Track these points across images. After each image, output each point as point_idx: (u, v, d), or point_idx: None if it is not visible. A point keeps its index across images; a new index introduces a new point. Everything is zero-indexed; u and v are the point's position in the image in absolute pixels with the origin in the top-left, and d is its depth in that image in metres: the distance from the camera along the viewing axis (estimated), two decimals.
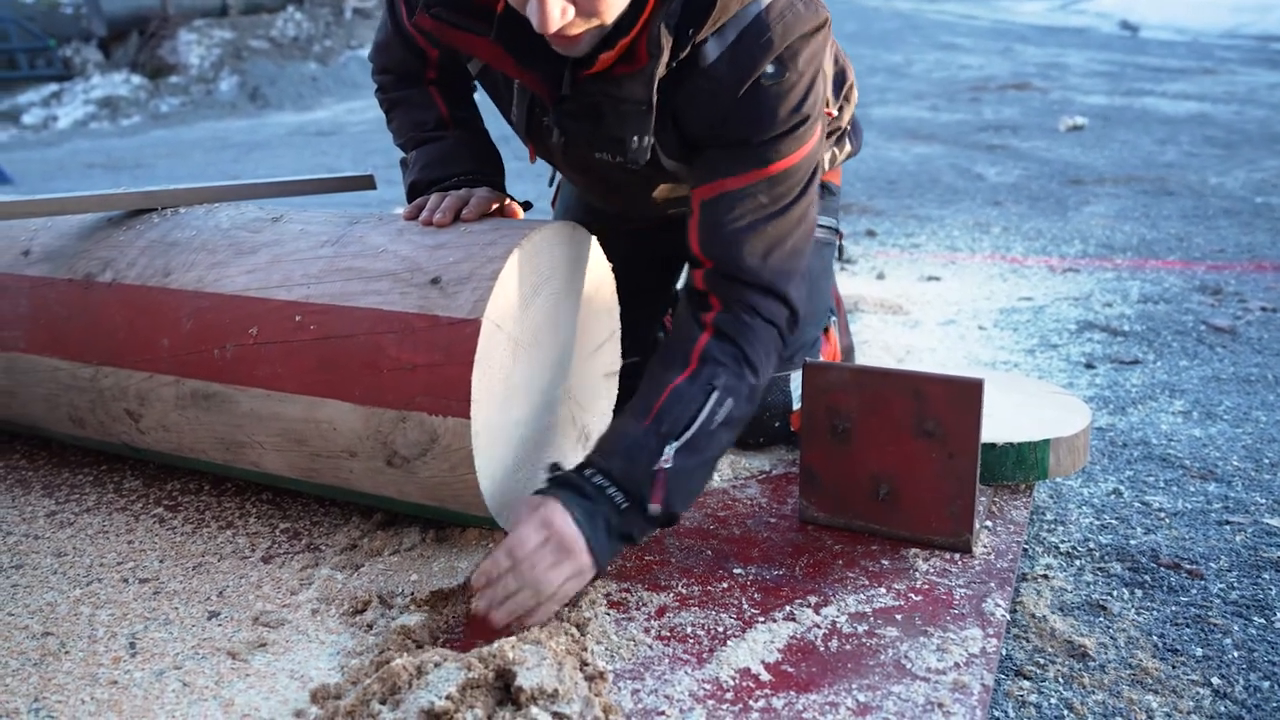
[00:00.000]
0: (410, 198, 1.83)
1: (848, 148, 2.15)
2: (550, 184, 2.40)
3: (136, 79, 13.43)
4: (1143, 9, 16.30)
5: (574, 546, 1.40)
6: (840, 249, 2.26)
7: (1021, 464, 1.77)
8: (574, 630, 1.37)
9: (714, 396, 1.53)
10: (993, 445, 1.76)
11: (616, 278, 1.85)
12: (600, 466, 1.49)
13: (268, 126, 10.87)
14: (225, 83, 13.35)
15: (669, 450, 1.49)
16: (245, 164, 7.94)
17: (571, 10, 1.39)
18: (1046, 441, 1.76)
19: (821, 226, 2.11)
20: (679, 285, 2.32)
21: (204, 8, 14.61)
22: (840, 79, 2.02)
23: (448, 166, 1.80)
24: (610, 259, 1.85)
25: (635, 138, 1.59)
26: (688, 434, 1.50)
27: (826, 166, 2.11)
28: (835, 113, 2.01)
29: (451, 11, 1.57)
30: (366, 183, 2.20)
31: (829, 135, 2.05)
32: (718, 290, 1.59)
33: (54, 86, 13.43)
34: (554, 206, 2.38)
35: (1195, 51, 12.60)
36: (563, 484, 1.48)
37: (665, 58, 1.50)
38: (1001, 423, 1.83)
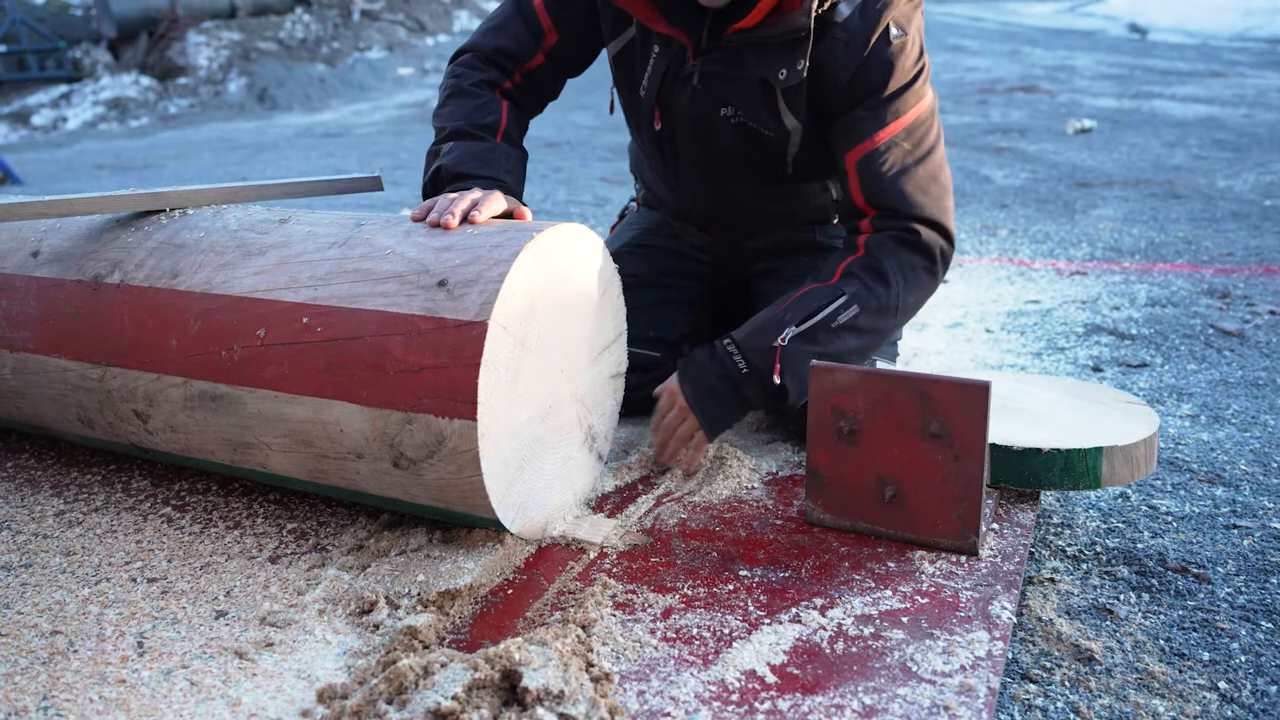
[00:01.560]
0: (429, 183, 1.90)
1: None
2: (620, 212, 2.59)
3: (145, 80, 13.47)
4: (1152, 11, 16.28)
5: (685, 411, 1.85)
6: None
7: (1070, 472, 1.72)
8: (580, 631, 1.37)
9: (841, 299, 1.81)
10: (1038, 451, 1.73)
11: (660, 275, 1.94)
12: (734, 336, 1.85)
13: (275, 128, 10.90)
14: (233, 84, 13.38)
15: (788, 332, 1.80)
16: (253, 165, 7.95)
17: None
18: (1099, 450, 1.71)
19: None
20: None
21: (213, 10, 14.65)
22: None
23: (476, 166, 1.87)
24: (660, 258, 2.13)
25: (783, 71, 1.84)
26: (808, 324, 1.80)
27: None
28: None
29: None
30: (374, 184, 2.21)
31: None
32: (884, 226, 1.86)
33: (63, 88, 13.47)
34: (611, 231, 2.52)
35: (1204, 54, 12.58)
36: (691, 362, 1.88)
37: (815, 2, 1.77)
38: (1056, 428, 1.80)
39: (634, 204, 2.52)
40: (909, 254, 1.85)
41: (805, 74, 1.83)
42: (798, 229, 2.22)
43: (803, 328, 1.80)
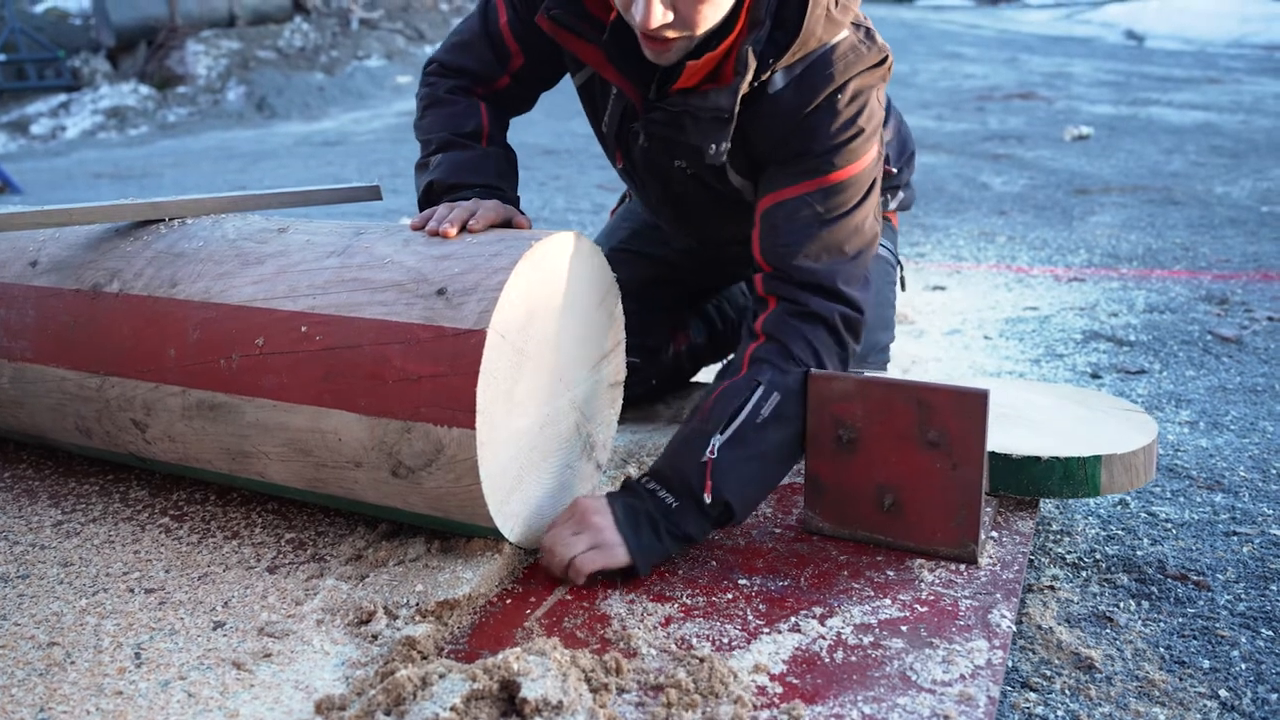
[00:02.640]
0: (424, 197, 1.87)
1: (900, 196, 2.31)
2: (620, 196, 2.52)
3: (144, 89, 13.47)
4: (1148, 19, 16.30)
5: (597, 524, 1.56)
6: (902, 280, 2.38)
7: (1070, 479, 1.72)
8: (578, 641, 1.37)
9: (759, 391, 1.64)
10: (1037, 459, 1.73)
11: (646, 285, 1.89)
12: (653, 470, 1.65)
13: (274, 136, 10.90)
14: (232, 93, 13.38)
15: (714, 442, 1.60)
16: (252, 174, 7.96)
17: (670, 15, 1.55)
18: (1098, 458, 1.70)
19: (884, 245, 2.26)
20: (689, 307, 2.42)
21: (211, 19, 14.66)
22: (902, 147, 2.25)
23: (469, 175, 1.84)
24: (650, 266, 2.01)
25: (714, 145, 1.71)
26: (732, 427, 1.61)
27: (889, 207, 2.29)
28: (895, 170, 2.19)
29: (568, 15, 1.74)
30: (373, 193, 2.20)
31: (886, 190, 2.22)
32: (774, 292, 1.71)
33: (62, 97, 13.47)
34: (612, 214, 2.48)
35: (1201, 61, 12.60)
36: (620, 489, 1.65)
37: (749, 77, 1.64)
38: (1055, 436, 1.80)
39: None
40: (806, 326, 1.69)
41: (726, 155, 1.72)
42: None
43: (728, 433, 1.61)
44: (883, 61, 1.71)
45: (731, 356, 1.79)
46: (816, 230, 1.68)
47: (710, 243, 2.18)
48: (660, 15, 1.54)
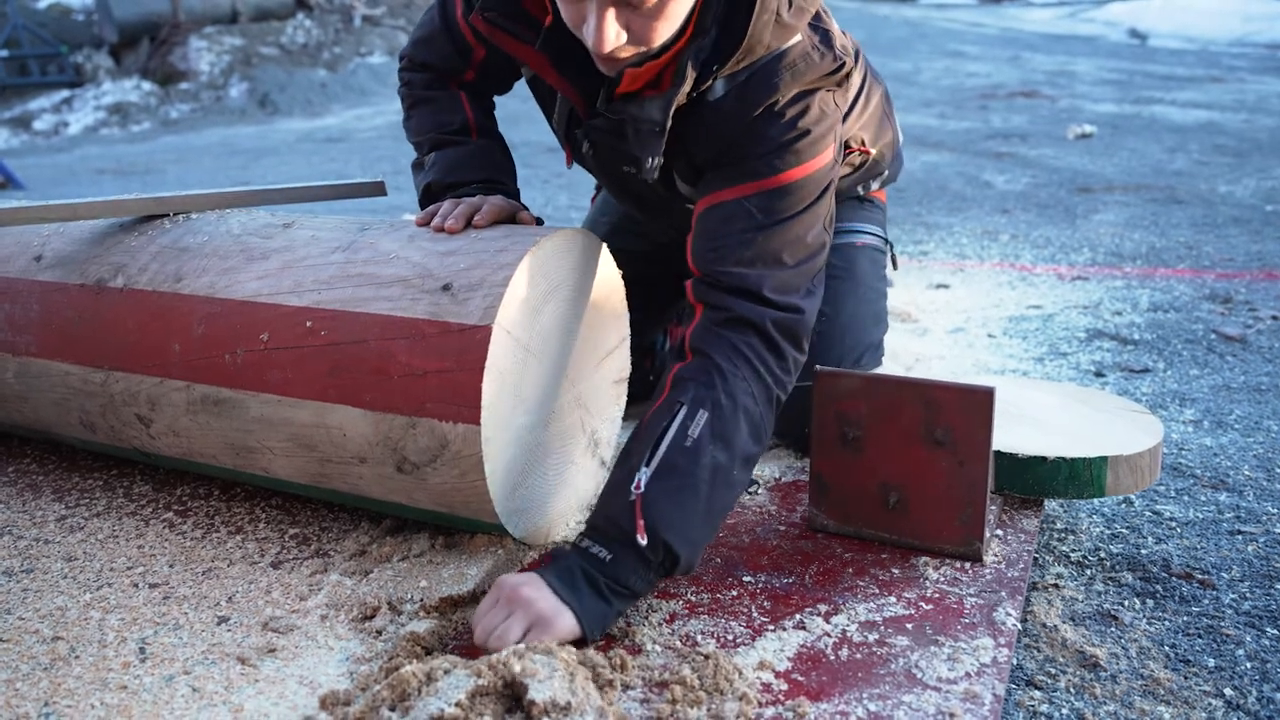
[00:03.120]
0: (424, 199, 1.85)
1: (884, 174, 2.24)
2: (596, 183, 2.42)
3: (147, 85, 13.47)
4: (1152, 17, 16.29)
5: (527, 598, 1.36)
6: (893, 259, 2.31)
7: (1075, 480, 1.72)
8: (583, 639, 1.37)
9: (682, 412, 1.47)
10: (1043, 459, 1.72)
11: (631, 283, 1.86)
12: (586, 527, 1.47)
13: (277, 133, 10.90)
14: (235, 89, 13.38)
15: (640, 477, 1.42)
16: (255, 170, 7.95)
17: (625, 35, 1.44)
18: (1104, 459, 1.70)
19: (870, 233, 2.21)
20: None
21: (214, 15, 14.65)
22: (895, 143, 2.20)
23: (465, 172, 1.82)
24: (631, 263, 1.88)
25: (649, 158, 1.62)
26: (658, 456, 1.44)
27: (862, 192, 2.22)
28: (871, 151, 2.10)
29: (503, 16, 1.64)
30: (377, 189, 2.20)
31: (875, 174, 2.18)
32: (703, 299, 1.58)
33: (65, 93, 13.47)
34: (592, 203, 2.41)
35: (1204, 60, 12.59)
36: (550, 557, 1.48)
37: (686, 87, 1.54)
38: (1061, 436, 1.79)
39: None
40: (734, 333, 1.53)
41: (660, 166, 1.63)
42: None
43: (654, 463, 1.43)
44: (837, 69, 1.59)
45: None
46: (752, 235, 1.55)
47: (682, 229, 2.11)
48: (613, 39, 1.43)
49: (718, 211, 1.59)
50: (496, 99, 2.01)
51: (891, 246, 2.31)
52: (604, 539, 1.42)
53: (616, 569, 1.40)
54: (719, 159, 1.62)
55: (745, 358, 1.52)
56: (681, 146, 1.65)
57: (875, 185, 2.24)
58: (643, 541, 1.39)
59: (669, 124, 1.58)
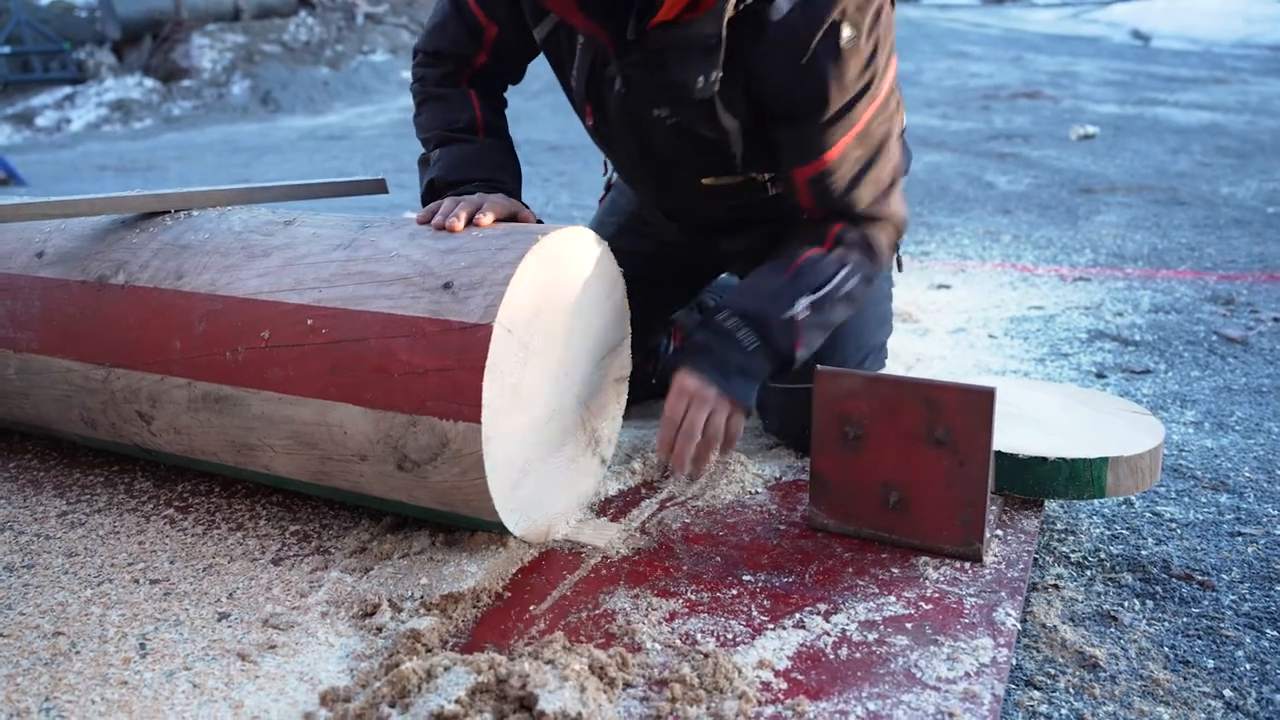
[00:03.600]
0: (427, 195, 1.86)
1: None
2: (605, 183, 2.42)
3: (149, 82, 13.48)
4: (1155, 18, 16.27)
5: (707, 396, 1.67)
6: (899, 261, 2.31)
7: (1076, 481, 1.72)
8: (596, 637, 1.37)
9: (846, 269, 1.76)
10: (1043, 460, 1.72)
11: (635, 283, 1.86)
12: (736, 309, 1.72)
13: (279, 130, 10.91)
14: (237, 87, 13.39)
15: (803, 302, 1.72)
16: (256, 167, 7.96)
17: None
18: (1104, 460, 1.70)
19: None
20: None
21: (217, 12, 14.66)
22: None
23: (469, 170, 1.84)
24: (636, 263, 1.92)
25: (701, 77, 1.63)
26: (821, 292, 1.73)
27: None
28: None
29: None
30: (378, 186, 2.20)
31: None
32: (839, 219, 1.80)
33: (67, 89, 13.48)
34: (600, 204, 2.40)
35: (1207, 61, 12.59)
36: (692, 348, 1.73)
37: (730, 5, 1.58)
38: (1062, 437, 1.80)
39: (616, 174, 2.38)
40: (886, 228, 1.83)
41: (718, 86, 1.65)
42: (775, 226, 2.06)
43: (816, 296, 1.73)
44: None
45: (796, 229, 1.84)
46: (864, 174, 1.75)
47: (694, 227, 2.13)
48: None
49: (825, 176, 1.74)
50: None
51: (898, 249, 2.32)
52: (755, 331, 1.70)
53: (751, 359, 1.70)
54: (796, 98, 1.67)
55: (889, 248, 1.84)
56: (744, 79, 1.69)
57: None
58: (799, 354, 1.73)
59: (723, 37, 1.60)
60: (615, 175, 2.36)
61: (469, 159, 1.85)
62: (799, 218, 1.85)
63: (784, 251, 1.80)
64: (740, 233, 2.11)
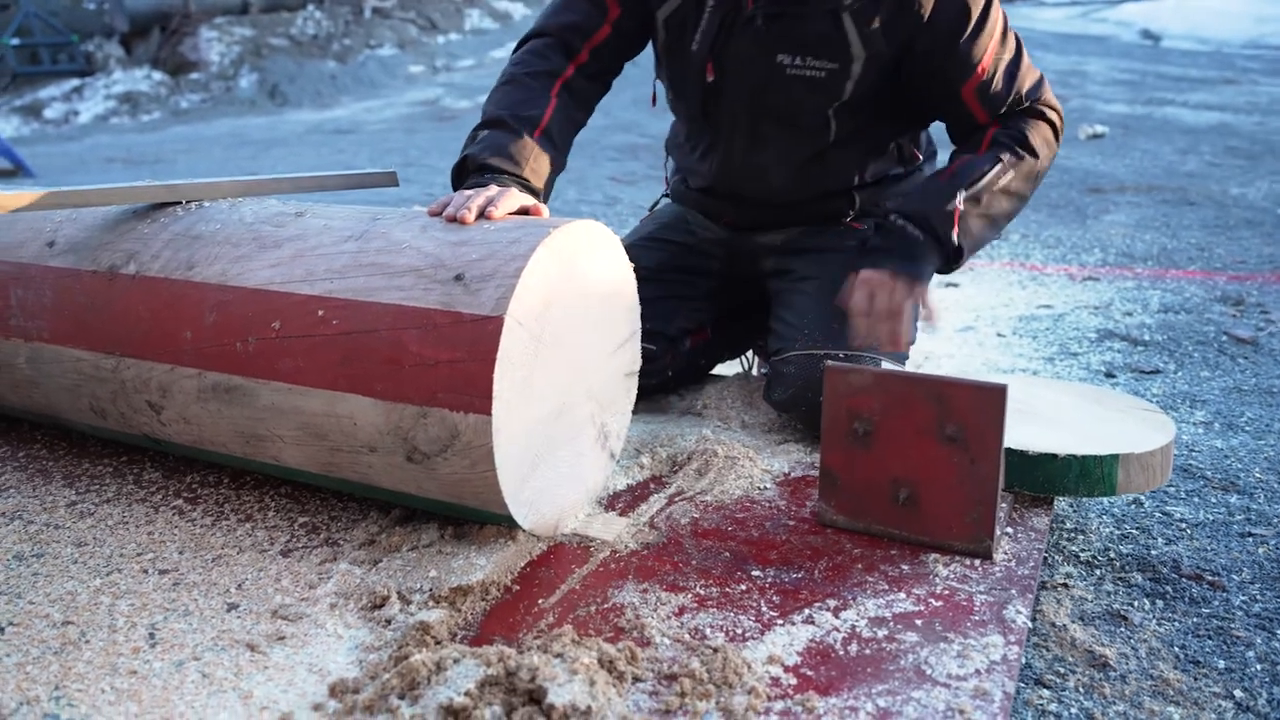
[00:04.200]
0: (457, 169, 1.92)
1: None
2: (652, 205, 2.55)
3: (157, 75, 13.50)
4: (1164, 18, 16.22)
5: (888, 282, 1.94)
6: None
7: (1086, 478, 1.72)
8: (594, 632, 1.37)
9: (1000, 164, 1.97)
10: (1054, 456, 1.72)
11: (670, 270, 2.07)
12: (902, 211, 1.99)
13: (286, 124, 10.91)
14: (245, 80, 13.40)
15: (960, 195, 1.95)
16: (263, 160, 7.96)
17: None
18: (1115, 457, 1.70)
19: None
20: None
21: (225, 6, 14.68)
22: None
23: (504, 160, 1.88)
24: (675, 254, 2.21)
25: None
26: (976, 186, 1.95)
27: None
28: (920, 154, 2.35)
29: None
30: (389, 179, 2.20)
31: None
32: (998, 122, 2.03)
33: (75, 81, 13.50)
34: (650, 213, 2.51)
35: (1217, 61, 12.56)
36: (869, 251, 2.01)
37: None
38: (1072, 434, 1.79)
39: (665, 198, 2.51)
40: (1040, 125, 2.02)
41: (858, 5, 1.90)
42: (814, 224, 2.23)
43: (972, 190, 1.95)
44: None
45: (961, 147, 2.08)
46: (1013, 67, 1.99)
47: (752, 210, 2.24)
48: None
49: (988, 83, 1.98)
50: None
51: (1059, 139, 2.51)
52: (918, 225, 1.96)
53: (921, 250, 1.96)
54: (935, 28, 1.92)
55: (1046, 140, 2.03)
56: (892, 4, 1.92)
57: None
58: (955, 240, 1.96)
59: None
60: (667, 189, 2.49)
61: (507, 149, 1.89)
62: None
63: (946, 161, 2.05)
64: (781, 226, 2.25)
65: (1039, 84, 2.04)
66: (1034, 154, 1.99)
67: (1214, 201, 5.24)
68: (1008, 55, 1.99)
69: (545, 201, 1.89)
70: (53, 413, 1.99)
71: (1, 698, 1.27)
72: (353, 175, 2.17)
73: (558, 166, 1.98)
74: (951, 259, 1.99)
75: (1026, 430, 1.81)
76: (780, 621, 1.43)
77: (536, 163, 1.91)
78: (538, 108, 1.97)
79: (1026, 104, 2.01)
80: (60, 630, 1.42)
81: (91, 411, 1.89)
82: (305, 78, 13.43)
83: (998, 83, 1.99)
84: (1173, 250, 4.24)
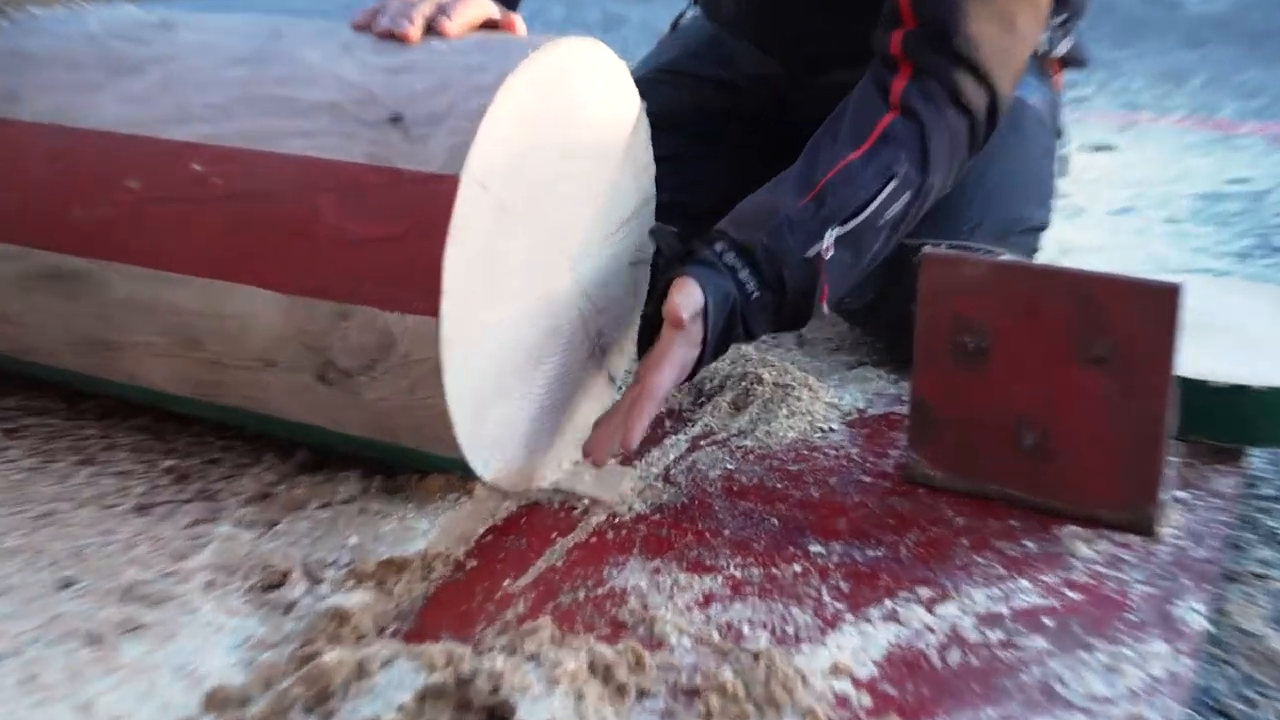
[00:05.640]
0: None
1: (1068, 41, 2.36)
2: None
3: None
4: None
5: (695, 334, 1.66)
6: (1063, 162, 2.41)
7: None
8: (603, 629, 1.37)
9: (891, 186, 1.74)
10: (1246, 389, 1.72)
11: (700, 120, 2.01)
12: (735, 241, 1.69)
13: None
14: None
15: (830, 236, 1.70)
16: None
17: None
18: None
19: (1041, 101, 2.32)
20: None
21: None
22: None
23: None
24: (706, 93, 2.14)
25: None
26: (853, 223, 1.72)
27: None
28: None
29: None
30: None
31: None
32: (916, 56, 1.80)
33: None
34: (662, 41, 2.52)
35: None
36: (697, 260, 1.69)
37: None
38: (1275, 361, 1.80)
39: (694, 7, 2.50)
40: (952, 115, 1.81)
41: None
42: None
43: (848, 228, 1.72)
44: None
45: (840, 108, 1.88)
46: None
47: (807, 44, 2.22)
48: None
49: None
50: None
51: (1062, 138, 2.41)
52: (757, 274, 1.68)
53: (751, 308, 1.69)
54: None
55: (953, 151, 1.82)
56: None
57: (1060, 48, 2.32)
58: (825, 310, 1.73)
59: None
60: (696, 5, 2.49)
61: None
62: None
63: (811, 153, 1.82)
64: (850, 64, 2.12)
65: (996, 44, 1.83)
66: (929, 171, 1.80)
67: None
68: None
69: (515, 9, 1.86)
70: None
71: None
72: None
73: None
74: (796, 324, 1.79)
75: (1209, 353, 1.80)
76: (850, 617, 1.43)
77: None
78: None
79: (960, 48, 1.80)
80: None
81: None
82: None
83: None
84: None
